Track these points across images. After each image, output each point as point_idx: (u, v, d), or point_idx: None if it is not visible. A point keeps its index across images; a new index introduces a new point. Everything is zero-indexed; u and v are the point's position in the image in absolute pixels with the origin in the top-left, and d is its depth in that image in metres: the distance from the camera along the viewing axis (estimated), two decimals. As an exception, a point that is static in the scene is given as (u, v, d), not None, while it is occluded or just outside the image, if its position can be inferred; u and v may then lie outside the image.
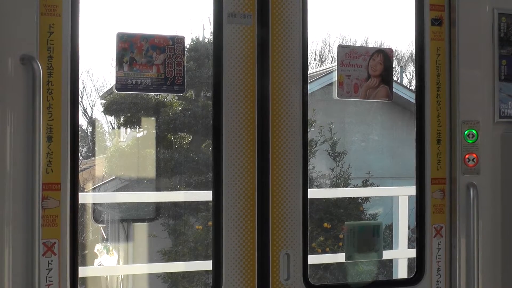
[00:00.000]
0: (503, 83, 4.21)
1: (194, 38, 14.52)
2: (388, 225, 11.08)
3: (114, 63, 3.68)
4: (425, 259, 4.17)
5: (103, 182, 15.27)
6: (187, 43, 14.06)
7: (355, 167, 13.99)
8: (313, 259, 9.06)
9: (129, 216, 13.47)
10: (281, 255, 3.86)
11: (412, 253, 4.69)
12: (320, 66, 23.22)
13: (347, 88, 4.10)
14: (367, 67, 4.13)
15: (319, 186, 13.97)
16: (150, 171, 13.76)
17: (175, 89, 3.79)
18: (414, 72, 4.34)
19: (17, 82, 3.29)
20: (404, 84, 19.24)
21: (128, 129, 15.19)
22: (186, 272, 11.68)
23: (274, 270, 3.84)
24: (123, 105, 13.99)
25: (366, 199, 13.27)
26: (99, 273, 11.76)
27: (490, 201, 4.15)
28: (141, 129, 14.70)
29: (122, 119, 14.58)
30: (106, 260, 14.08)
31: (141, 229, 13.56)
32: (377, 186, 13.49)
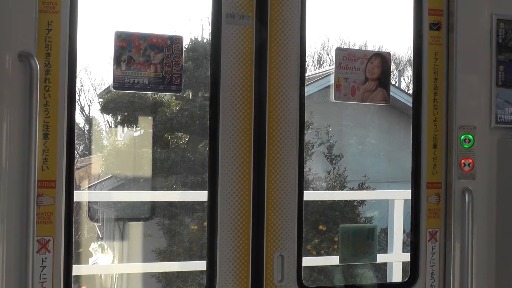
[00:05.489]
0: (500, 89, 4.21)
1: (193, 38, 14.53)
2: (383, 228, 11.09)
3: (112, 61, 3.68)
4: (419, 263, 4.17)
5: (99, 180, 15.25)
6: (186, 43, 14.06)
7: (352, 170, 14.01)
8: (307, 261, 9.06)
9: (124, 215, 13.47)
10: (276, 257, 3.86)
11: (407, 257, 4.68)
12: (318, 69, 23.23)
13: (344, 91, 4.10)
14: (365, 70, 4.13)
15: (315, 188, 13.98)
16: (146, 171, 13.76)
17: (172, 89, 3.79)
18: (412, 76, 4.34)
19: (14, 79, 3.29)
20: (402, 88, 19.26)
21: (125, 128, 15.18)
22: (181, 272, 11.68)
23: (268, 271, 3.84)
24: (121, 104, 13.98)
25: (362, 202, 13.28)
26: (94, 272, 11.73)
27: (485, 206, 4.16)
28: (138, 128, 14.69)
29: (119, 117, 14.57)
30: (100, 258, 14.06)
31: (136, 228, 13.55)
32: (373, 190, 13.49)
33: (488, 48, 4.19)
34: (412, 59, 4.39)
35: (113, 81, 3.68)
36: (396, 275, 8.24)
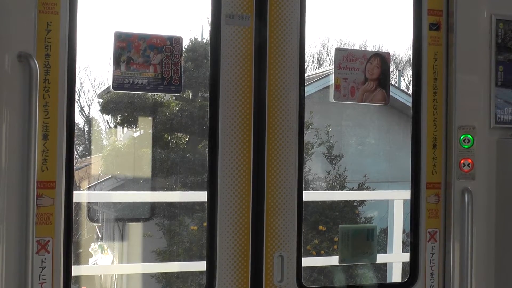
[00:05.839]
0: (499, 89, 4.21)
1: (192, 39, 14.53)
2: (383, 228, 11.09)
3: (111, 62, 3.68)
4: (419, 263, 4.17)
5: (98, 181, 15.25)
6: (186, 43, 14.06)
7: (351, 170, 14.00)
8: (307, 261, 9.05)
9: (124, 215, 13.46)
10: (275, 257, 3.86)
11: (407, 257, 4.69)
12: (318, 69, 23.24)
13: (343, 91, 4.10)
14: (364, 71, 4.13)
15: (315, 188, 13.97)
16: (146, 171, 13.76)
17: (171, 89, 3.79)
18: (411, 76, 4.34)
19: (13, 80, 3.29)
20: (401, 88, 19.26)
21: (125, 129, 15.17)
22: (180, 272, 11.68)
23: (268, 272, 3.84)
24: (120, 104, 13.98)
25: (362, 202, 13.28)
26: (93, 272, 11.74)
27: (484, 206, 4.16)
28: (137, 129, 14.69)
29: (119, 118, 14.57)
30: (100, 259, 14.06)
31: (136, 229, 13.55)
32: (373, 190, 13.49)
33: (487, 48, 4.19)
34: (411, 59, 4.39)
35: (113, 82, 3.68)
36: (395, 275, 8.24)
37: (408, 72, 23.32)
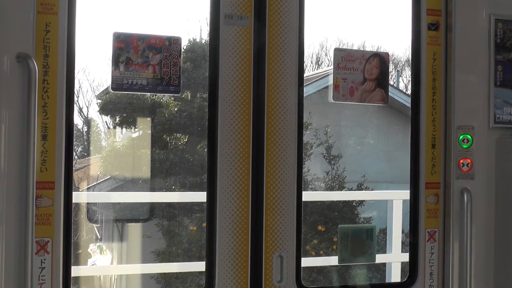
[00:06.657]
0: (498, 89, 4.21)
1: (191, 39, 14.54)
2: (382, 229, 11.09)
3: (110, 62, 3.68)
4: (418, 263, 4.17)
5: (97, 181, 15.25)
6: (184, 44, 14.07)
7: (350, 170, 14.01)
8: (306, 261, 9.06)
9: (123, 216, 13.46)
10: (275, 257, 3.86)
11: (406, 257, 4.69)
12: (317, 69, 23.24)
13: (342, 91, 4.10)
14: (363, 71, 4.13)
15: (314, 189, 13.98)
16: (145, 172, 13.76)
17: (170, 90, 3.79)
18: (410, 76, 4.34)
19: (12, 80, 3.28)
20: (400, 88, 19.26)
21: (124, 129, 15.18)
22: (180, 273, 11.68)
23: (267, 272, 3.84)
24: (119, 105, 13.99)
25: (361, 202, 13.28)
26: (93, 273, 11.74)
27: (483, 206, 4.16)
28: (136, 129, 14.70)
29: (117, 119, 14.57)
30: (99, 259, 14.06)
31: (135, 229, 13.55)
32: (372, 190, 13.49)
33: (486, 48, 4.19)
34: (410, 59, 4.39)
35: (112, 82, 3.68)
36: (395, 275, 8.24)
37: (407, 72, 23.33)
